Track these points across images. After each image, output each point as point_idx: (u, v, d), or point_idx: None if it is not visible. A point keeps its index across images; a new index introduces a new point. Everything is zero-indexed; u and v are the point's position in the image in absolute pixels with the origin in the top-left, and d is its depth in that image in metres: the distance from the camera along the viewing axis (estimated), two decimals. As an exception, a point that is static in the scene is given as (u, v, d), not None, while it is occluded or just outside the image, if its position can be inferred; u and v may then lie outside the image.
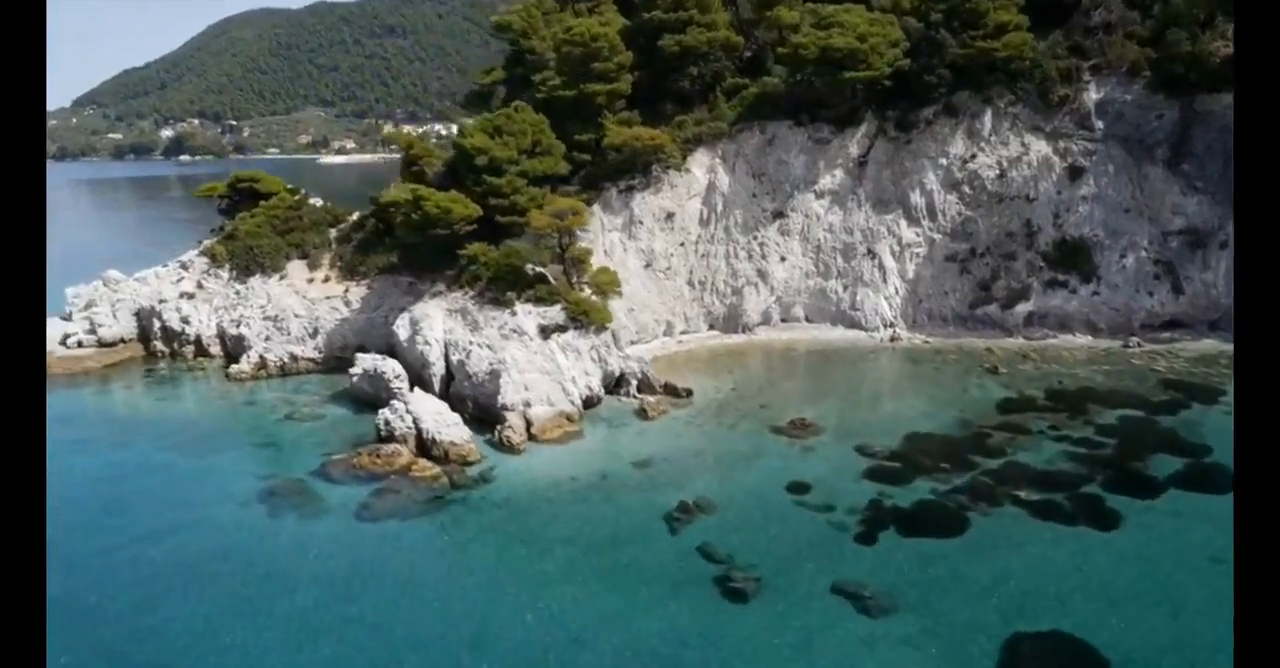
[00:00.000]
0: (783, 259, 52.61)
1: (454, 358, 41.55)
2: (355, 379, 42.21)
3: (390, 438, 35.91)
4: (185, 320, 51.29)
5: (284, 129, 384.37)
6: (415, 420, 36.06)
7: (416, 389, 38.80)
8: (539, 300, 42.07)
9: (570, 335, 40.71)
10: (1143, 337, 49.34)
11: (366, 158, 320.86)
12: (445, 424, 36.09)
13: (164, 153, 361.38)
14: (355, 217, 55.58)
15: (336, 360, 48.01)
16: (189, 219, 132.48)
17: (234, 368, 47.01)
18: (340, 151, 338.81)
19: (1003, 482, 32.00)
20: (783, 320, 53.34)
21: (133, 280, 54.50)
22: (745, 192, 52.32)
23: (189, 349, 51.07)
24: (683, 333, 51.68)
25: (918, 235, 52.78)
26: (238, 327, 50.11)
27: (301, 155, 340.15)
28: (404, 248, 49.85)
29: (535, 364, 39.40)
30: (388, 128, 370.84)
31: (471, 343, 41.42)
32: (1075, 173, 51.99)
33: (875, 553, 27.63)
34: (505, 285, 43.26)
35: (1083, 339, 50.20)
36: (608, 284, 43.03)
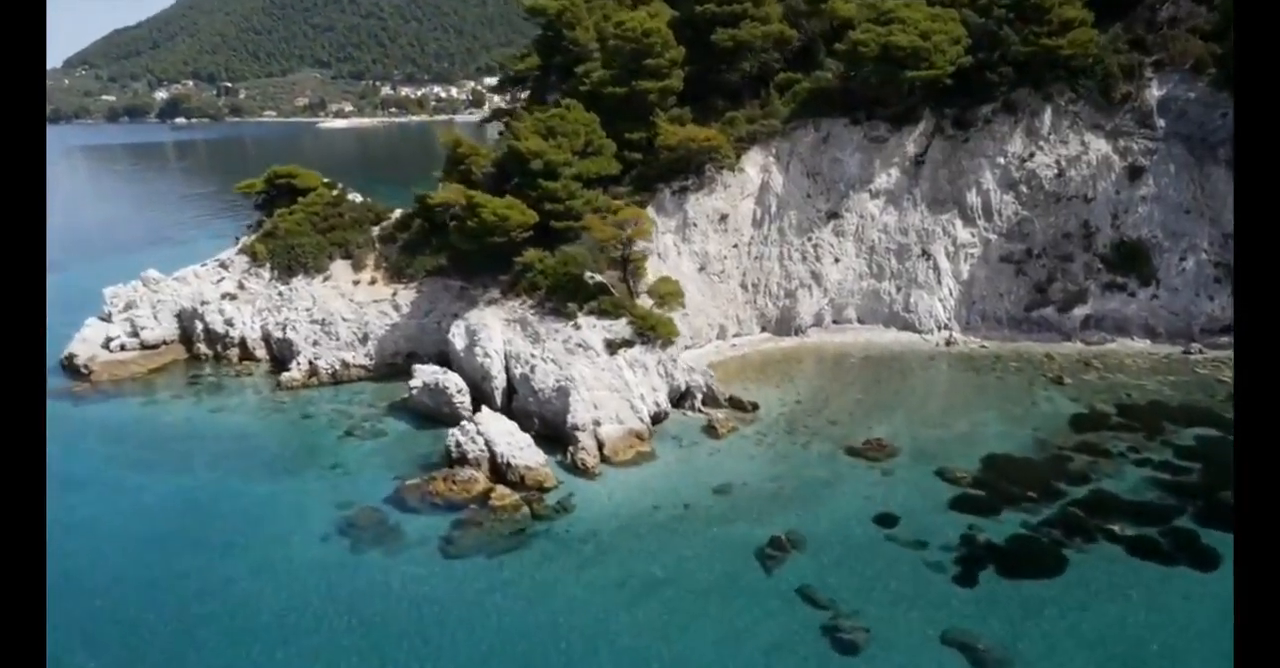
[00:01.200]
0: (836, 260, 51.68)
1: (516, 371, 40.81)
2: (415, 392, 41.50)
3: (462, 460, 35.32)
4: (229, 323, 50.34)
5: (280, 91, 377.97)
6: (488, 443, 35.44)
7: (484, 409, 38.06)
8: (603, 313, 41.23)
9: (637, 351, 39.96)
10: (1203, 342, 48.75)
11: (366, 122, 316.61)
12: (519, 447, 35.49)
13: (159, 115, 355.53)
14: (397, 214, 54.37)
15: (388, 367, 47.33)
16: (193, 194, 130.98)
17: (285, 376, 46.17)
18: (339, 114, 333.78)
19: (1093, 514, 31.55)
20: (834, 322, 52.59)
21: (172, 280, 53.42)
22: (799, 192, 51.18)
23: (233, 352, 50.20)
24: (735, 336, 50.93)
25: (973, 236, 51.81)
26: (284, 330, 49.19)
27: (299, 118, 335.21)
28: (453, 250, 48.74)
29: (603, 381, 38.70)
30: (385, 90, 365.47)
31: (534, 356, 40.67)
32: (1135, 173, 50.89)
33: (978, 598, 27.27)
34: (565, 295, 42.38)
35: (1141, 344, 49.58)
36: (670, 296, 42.13)
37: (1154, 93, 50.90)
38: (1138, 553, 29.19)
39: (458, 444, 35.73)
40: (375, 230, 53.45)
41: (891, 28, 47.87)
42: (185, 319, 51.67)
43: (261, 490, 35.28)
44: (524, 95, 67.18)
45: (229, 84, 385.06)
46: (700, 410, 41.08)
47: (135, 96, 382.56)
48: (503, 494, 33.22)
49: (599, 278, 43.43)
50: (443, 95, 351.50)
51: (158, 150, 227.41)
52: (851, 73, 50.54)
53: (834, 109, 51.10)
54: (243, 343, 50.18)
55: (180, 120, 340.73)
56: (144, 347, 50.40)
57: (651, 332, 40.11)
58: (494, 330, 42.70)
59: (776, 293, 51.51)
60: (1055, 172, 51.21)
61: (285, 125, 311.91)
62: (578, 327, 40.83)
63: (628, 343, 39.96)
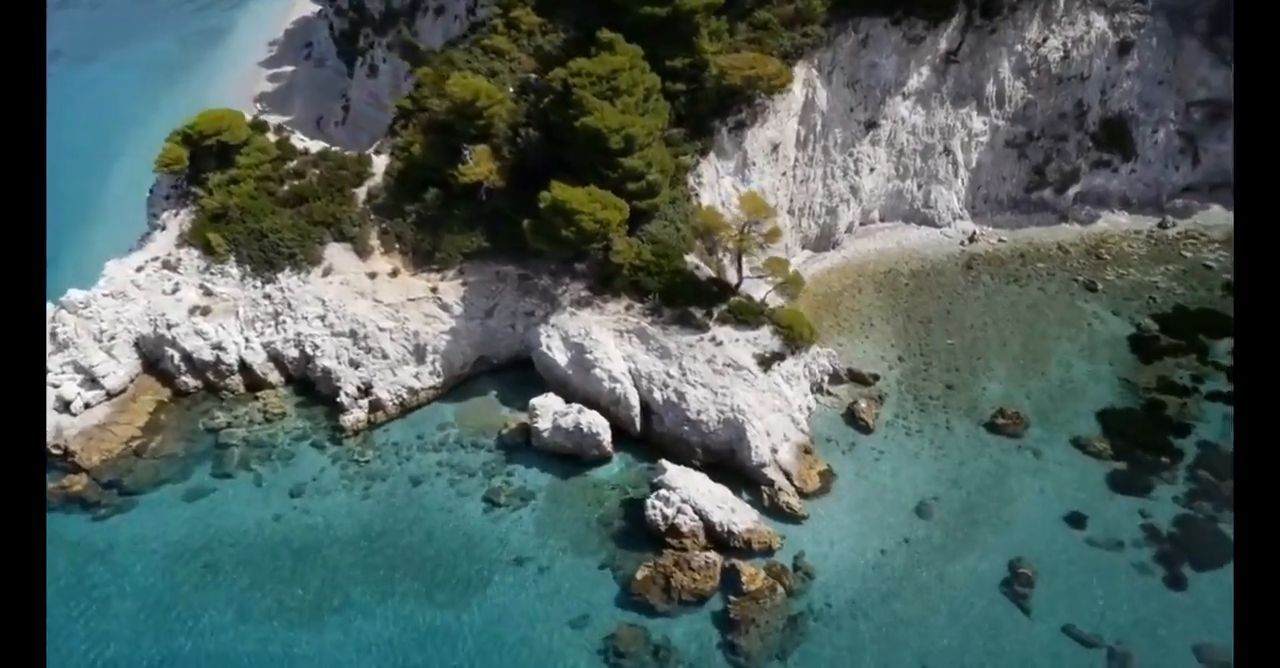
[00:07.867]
0: (871, 170, 49.95)
1: (656, 396, 37.99)
2: (546, 434, 37.65)
3: (675, 533, 34.10)
4: (218, 347, 40.48)
5: None
6: (699, 512, 34.24)
7: (668, 464, 35.68)
8: (740, 322, 38.27)
9: (790, 364, 38.32)
10: (1169, 209, 54.43)
11: None
12: (730, 509, 34.67)
13: None
14: (380, 165, 43.57)
15: (455, 380, 41.59)
16: None
17: (347, 420, 39.10)
18: None
19: (1218, 475, 37.62)
20: (860, 225, 52.23)
21: (104, 297, 40.80)
22: (842, 106, 47.24)
23: (235, 381, 40.93)
24: (781, 263, 49.30)
25: (985, 124, 51.69)
26: (299, 349, 40.72)
27: None
28: (490, 223, 41.16)
29: (767, 404, 37.33)
30: None
31: (672, 377, 37.83)
32: (1124, 48, 52.00)
33: (1196, 601, 32.92)
34: (684, 299, 38.55)
35: (1121, 217, 54.55)
36: (793, 283, 39.59)
37: (1153, -41, 50.38)
38: None
39: (664, 517, 34.20)
40: (361, 195, 43.03)
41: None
42: (148, 347, 40.76)
43: (468, 624, 32.04)
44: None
45: None
46: (829, 392, 41.27)
47: None
48: (751, 575, 32.96)
49: (709, 270, 39.53)
50: None
51: None
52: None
53: (873, 8, 45.73)
54: (245, 368, 41.03)
55: None
56: (110, 396, 39.85)
57: (800, 339, 38.26)
58: (608, 345, 38.59)
59: (818, 212, 49.63)
60: (1062, 54, 50.94)
61: None
62: (717, 342, 37.90)
63: (779, 356, 38.06)
